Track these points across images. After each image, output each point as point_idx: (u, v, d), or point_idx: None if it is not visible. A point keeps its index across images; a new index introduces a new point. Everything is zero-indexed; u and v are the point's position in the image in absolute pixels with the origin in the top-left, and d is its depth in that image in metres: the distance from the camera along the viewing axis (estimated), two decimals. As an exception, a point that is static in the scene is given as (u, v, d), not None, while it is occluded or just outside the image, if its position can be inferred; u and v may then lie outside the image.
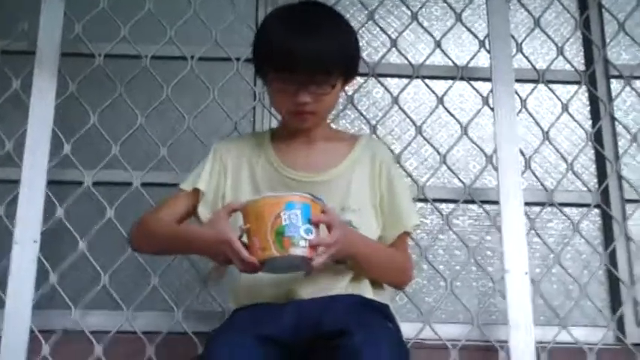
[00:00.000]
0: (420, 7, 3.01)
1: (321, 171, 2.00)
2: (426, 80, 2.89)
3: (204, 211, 2.00)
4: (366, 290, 1.95)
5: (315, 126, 2.03)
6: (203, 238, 1.81)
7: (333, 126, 2.54)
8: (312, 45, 1.85)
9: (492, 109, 2.74)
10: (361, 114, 2.86)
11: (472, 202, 2.78)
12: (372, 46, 3.07)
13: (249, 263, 1.68)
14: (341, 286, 1.90)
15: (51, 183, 2.60)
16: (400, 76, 2.98)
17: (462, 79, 2.89)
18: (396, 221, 2.03)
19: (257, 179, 2.00)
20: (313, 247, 1.68)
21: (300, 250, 1.66)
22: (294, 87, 1.89)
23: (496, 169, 2.66)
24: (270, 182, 1.98)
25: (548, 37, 3.01)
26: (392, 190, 2.03)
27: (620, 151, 2.94)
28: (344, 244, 1.78)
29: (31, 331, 2.42)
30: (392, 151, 2.76)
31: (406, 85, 2.88)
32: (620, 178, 2.90)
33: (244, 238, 1.72)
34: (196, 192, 2.02)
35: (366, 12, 2.96)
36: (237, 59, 2.82)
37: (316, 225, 1.71)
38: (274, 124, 2.73)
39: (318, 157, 2.03)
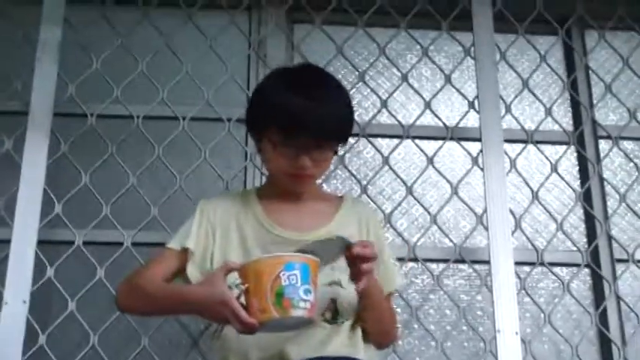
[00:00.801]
0: (410, 69, 3.04)
1: (311, 230, 1.97)
2: (417, 140, 2.92)
3: (193, 271, 1.95)
4: (358, 351, 1.94)
5: (307, 188, 2.04)
6: (199, 298, 1.74)
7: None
8: (322, 111, 1.85)
9: (482, 169, 2.76)
10: (352, 174, 2.88)
11: (463, 261, 2.80)
12: (362, 107, 3.08)
13: (247, 324, 1.65)
14: (333, 346, 1.89)
15: (41, 242, 2.59)
16: (391, 137, 2.99)
17: (451, 139, 2.92)
18: (387, 282, 2.03)
19: (246, 238, 1.97)
20: (313, 307, 1.67)
21: (300, 311, 1.64)
22: (295, 151, 1.89)
23: (486, 228, 2.68)
24: (260, 242, 1.95)
25: (537, 98, 3.05)
26: (382, 255, 2.02)
27: (610, 211, 2.96)
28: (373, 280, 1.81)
29: (20, 393, 2.40)
30: (380, 209, 2.80)
31: (397, 146, 2.91)
32: (609, 237, 2.92)
33: (242, 299, 1.70)
34: (184, 251, 1.97)
35: (357, 73, 2.99)
36: (229, 119, 2.84)
37: (314, 285, 1.70)
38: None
39: (308, 217, 2.02)
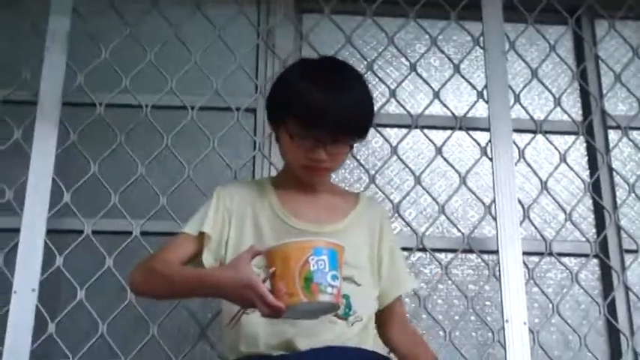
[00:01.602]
0: (419, 58, 3.04)
1: (326, 224, 1.98)
2: (425, 130, 2.92)
3: (208, 258, 1.94)
4: (368, 339, 1.95)
5: (322, 182, 2.04)
6: (224, 281, 1.70)
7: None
8: (345, 104, 1.85)
9: (491, 159, 2.76)
10: (360, 164, 2.88)
11: (471, 251, 2.80)
12: (370, 97, 3.08)
13: (275, 307, 1.63)
14: (345, 338, 1.89)
15: (50, 232, 2.60)
16: (399, 126, 3.00)
17: (460, 129, 2.92)
18: (397, 284, 2.05)
19: (261, 228, 1.97)
20: (339, 293, 1.67)
21: (327, 296, 1.64)
22: (312, 143, 1.88)
23: (495, 218, 2.68)
24: (275, 231, 1.95)
25: (546, 88, 3.05)
26: (393, 255, 2.05)
27: (619, 201, 2.96)
28: None
29: (30, 381, 2.42)
30: (389, 198, 2.80)
31: (405, 135, 2.91)
32: (618, 228, 2.91)
33: (267, 283, 1.70)
34: (201, 236, 1.95)
35: (365, 63, 2.99)
36: (238, 109, 2.85)
37: (340, 272, 1.70)
38: (273, 173, 2.75)
39: (323, 210, 2.02)
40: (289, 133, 1.90)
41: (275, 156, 2.71)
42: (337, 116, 1.83)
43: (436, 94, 2.96)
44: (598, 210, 2.99)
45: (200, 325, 2.63)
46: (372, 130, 2.82)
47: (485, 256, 2.78)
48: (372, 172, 2.86)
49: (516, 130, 2.87)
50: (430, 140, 2.91)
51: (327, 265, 1.65)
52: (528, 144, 2.93)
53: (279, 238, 1.76)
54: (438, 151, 2.88)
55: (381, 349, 2.05)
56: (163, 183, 2.78)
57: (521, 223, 2.75)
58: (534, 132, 2.96)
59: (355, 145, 2.65)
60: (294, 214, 1.98)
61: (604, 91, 3.10)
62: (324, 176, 2.01)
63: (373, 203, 2.17)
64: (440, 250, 2.85)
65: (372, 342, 1.97)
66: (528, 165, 2.92)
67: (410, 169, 2.87)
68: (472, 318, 2.82)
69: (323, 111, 1.83)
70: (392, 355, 2.07)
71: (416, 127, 2.91)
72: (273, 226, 1.97)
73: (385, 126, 2.99)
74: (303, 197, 2.02)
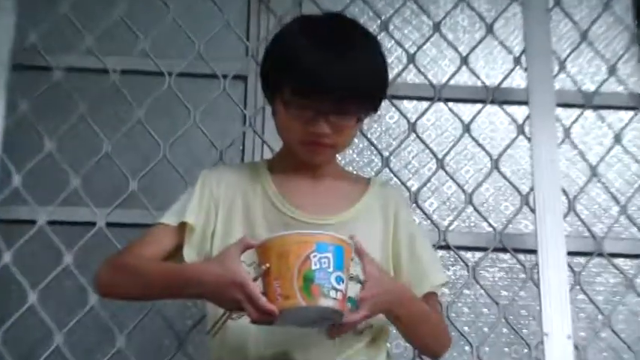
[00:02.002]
0: (444, 17, 3.03)
1: (329, 213, 1.96)
2: (450, 104, 2.92)
3: (190, 253, 1.93)
4: (379, 356, 1.93)
5: (326, 161, 2.02)
6: (207, 278, 1.70)
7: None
8: (350, 65, 1.83)
9: (529, 139, 2.76)
10: (371, 143, 2.88)
11: (504, 250, 2.79)
12: (385, 63, 3.08)
13: (266, 311, 1.62)
14: (352, 351, 1.88)
15: (-3, 222, 2.62)
16: (419, 99, 3.01)
17: (492, 102, 2.92)
18: (420, 280, 2.00)
19: (252, 216, 1.95)
20: (344, 298, 1.65)
21: (330, 301, 1.61)
22: (311, 114, 1.86)
23: (533, 211, 2.68)
24: (269, 223, 1.94)
25: (598, 53, 3.05)
26: (413, 245, 2.02)
27: (685, 191, 2.96)
28: (387, 300, 1.76)
29: (-30, 399, 2.44)
30: (405, 185, 2.80)
31: (426, 110, 2.90)
32: (684, 224, 2.92)
33: (258, 282, 1.68)
34: (182, 228, 1.94)
35: (379, 22, 2.98)
36: (225, 76, 2.85)
37: (347, 273, 1.68)
38: (267, 152, 2.76)
39: (326, 198, 2.00)
40: (284, 102, 1.88)
41: (269, 132, 2.75)
42: (340, 79, 1.80)
43: (464, 60, 2.95)
44: (659, 202, 2.99)
45: (178, 335, 2.61)
46: (386, 103, 2.86)
47: (522, 256, 2.78)
48: (386, 154, 2.85)
49: (561, 105, 2.87)
50: (456, 115, 2.89)
51: (332, 264, 1.62)
52: (575, 121, 2.93)
53: (274, 230, 1.76)
54: (466, 128, 2.87)
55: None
56: (134, 164, 2.78)
57: (566, 216, 2.75)
58: (582, 106, 2.96)
59: (365, 120, 2.64)
60: (293, 201, 1.97)
61: (669, 58, 3.12)
62: (328, 155, 1.98)
63: (387, 187, 2.15)
64: (467, 249, 2.84)
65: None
66: (575, 146, 2.91)
67: (431, 150, 2.86)
68: (504, 330, 2.81)
69: (320, 72, 1.80)
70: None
71: (439, 100, 2.91)
72: (266, 216, 1.95)
73: (402, 98, 2.99)
74: (304, 182, 2.01)
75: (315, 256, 1.61)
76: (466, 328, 2.79)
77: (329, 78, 1.80)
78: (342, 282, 1.63)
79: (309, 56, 1.82)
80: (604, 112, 2.99)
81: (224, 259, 1.68)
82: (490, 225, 2.79)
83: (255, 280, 1.64)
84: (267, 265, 1.63)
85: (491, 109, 2.98)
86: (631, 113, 3.00)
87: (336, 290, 1.62)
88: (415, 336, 1.95)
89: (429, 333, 1.97)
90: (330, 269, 1.62)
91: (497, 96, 2.92)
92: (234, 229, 1.94)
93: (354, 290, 1.74)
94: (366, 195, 2.03)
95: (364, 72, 1.85)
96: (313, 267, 1.60)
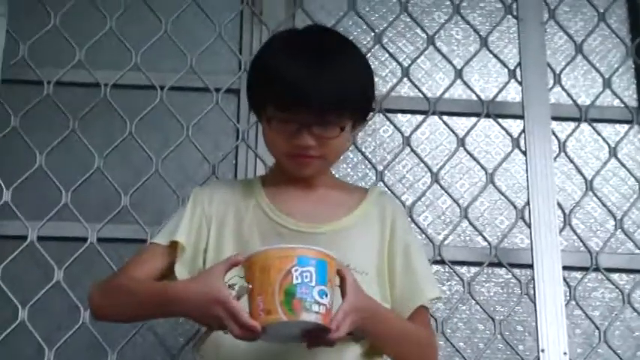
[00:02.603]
0: (438, 30, 3.03)
1: (323, 222, 1.95)
2: (445, 117, 2.92)
3: (182, 271, 1.92)
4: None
5: (317, 173, 2.00)
6: (190, 296, 1.70)
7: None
8: (325, 79, 1.82)
9: (524, 153, 2.74)
10: (366, 157, 2.87)
11: (499, 265, 2.79)
12: (379, 76, 3.06)
13: (249, 327, 1.61)
14: None
15: (-15, 238, 2.61)
16: (413, 112, 3.00)
17: (487, 116, 2.91)
18: (412, 294, 1.98)
19: (244, 230, 1.95)
20: (328, 313, 1.64)
21: (312, 315, 1.60)
22: (294, 127, 1.86)
23: (529, 225, 2.66)
24: (261, 232, 1.93)
25: (593, 66, 3.04)
26: (408, 258, 1.99)
27: (681, 206, 2.95)
28: (362, 314, 1.73)
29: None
30: (400, 200, 2.78)
31: (420, 123, 2.90)
32: (680, 238, 2.91)
33: (243, 299, 1.67)
34: (174, 247, 1.94)
35: (373, 35, 2.97)
36: (217, 90, 2.85)
37: (331, 287, 1.66)
38: (260, 167, 2.76)
39: (320, 206, 1.99)
40: (267, 117, 1.89)
41: (262, 147, 2.70)
42: (318, 90, 1.80)
43: (459, 74, 2.94)
44: (656, 216, 2.99)
45: (169, 352, 2.60)
46: (380, 117, 2.87)
47: (517, 271, 2.77)
48: (381, 168, 2.85)
49: (556, 118, 2.87)
50: (451, 129, 2.89)
51: (314, 278, 1.62)
52: (570, 135, 2.92)
53: (268, 241, 1.77)
54: (461, 142, 2.87)
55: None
56: (126, 179, 2.77)
57: (561, 231, 2.74)
58: (578, 120, 2.94)
59: (358, 131, 2.63)
60: (285, 210, 1.96)
61: (665, 71, 3.12)
62: (316, 167, 1.96)
63: (384, 197, 2.14)
64: (462, 263, 2.84)
65: None
66: (570, 160, 2.91)
67: (426, 164, 2.85)
68: (500, 346, 2.80)
69: (301, 86, 1.81)
70: None
71: (434, 114, 2.90)
72: (259, 227, 1.95)
73: (396, 112, 2.99)
74: (296, 192, 2.01)
75: (296, 270, 1.61)
76: (462, 344, 2.78)
77: (307, 91, 1.80)
78: (326, 296, 1.62)
79: (286, 71, 1.83)
80: (599, 126, 2.97)
81: (207, 277, 1.70)
82: (485, 239, 2.78)
83: (239, 297, 1.64)
84: (249, 283, 1.63)
85: (486, 123, 2.98)
86: (626, 126, 3.00)
87: (319, 304, 1.61)
88: (397, 354, 1.93)
89: (412, 351, 1.95)
90: (313, 283, 1.61)
91: (492, 109, 2.92)
92: (225, 246, 1.94)
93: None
94: (364, 203, 2.02)
95: (342, 82, 1.85)
96: (294, 281, 1.60)
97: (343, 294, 1.70)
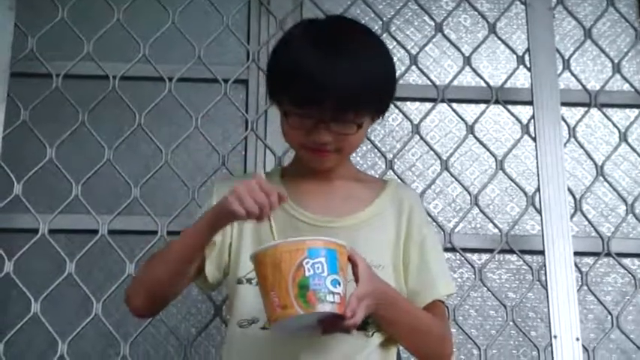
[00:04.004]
0: (446, 17, 3.02)
1: (341, 216, 1.96)
2: (454, 104, 2.91)
3: (211, 269, 1.92)
4: (390, 358, 1.92)
5: (335, 166, 2.00)
6: (216, 207, 1.79)
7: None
8: (344, 75, 1.80)
9: (534, 139, 2.74)
10: (375, 146, 2.86)
11: (511, 251, 2.78)
12: (387, 64, 3.06)
13: (268, 192, 1.70)
14: (363, 356, 1.86)
15: (-2, 231, 2.60)
16: (422, 100, 3.00)
17: (497, 102, 2.90)
18: (427, 288, 1.97)
19: (261, 226, 1.89)
20: (343, 301, 1.65)
21: (328, 305, 1.61)
22: (311, 122, 1.85)
23: (539, 211, 2.66)
24: (279, 230, 1.87)
25: (602, 51, 3.03)
26: (423, 254, 1.99)
27: (693, 189, 2.95)
28: (377, 299, 1.75)
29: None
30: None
31: (429, 111, 2.89)
32: (692, 221, 2.91)
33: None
34: None
35: (381, 23, 2.96)
36: (226, 80, 2.83)
37: (343, 275, 1.67)
38: (269, 157, 2.76)
39: (338, 200, 2.00)
40: (284, 111, 1.89)
41: (271, 137, 2.75)
42: (335, 88, 1.79)
43: (467, 61, 2.93)
44: (667, 200, 2.99)
45: (182, 344, 2.61)
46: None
47: (529, 258, 2.77)
48: (390, 156, 2.84)
49: (565, 104, 2.86)
50: (460, 117, 2.89)
51: (326, 268, 1.63)
52: (580, 120, 2.91)
53: (283, 233, 1.76)
54: (470, 129, 2.86)
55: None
56: (136, 171, 2.79)
57: (572, 216, 2.74)
58: (588, 105, 2.93)
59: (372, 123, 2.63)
60: (303, 204, 1.97)
61: (675, 55, 3.11)
62: (334, 160, 1.96)
63: (401, 190, 2.12)
64: (473, 250, 2.84)
65: None
66: (580, 146, 2.90)
67: (435, 151, 2.85)
68: (512, 333, 2.81)
69: (316, 81, 1.79)
70: None
71: (442, 101, 2.90)
72: (277, 221, 1.90)
73: (405, 99, 2.98)
74: (315, 186, 2.01)
75: (307, 263, 1.62)
76: (473, 331, 2.79)
77: (323, 88, 1.79)
78: (339, 284, 1.64)
79: (306, 65, 1.81)
80: (609, 111, 2.97)
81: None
82: (496, 226, 2.78)
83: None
84: (262, 278, 1.66)
85: (496, 110, 2.97)
86: (636, 111, 2.99)
87: (333, 294, 1.62)
88: (410, 342, 1.94)
89: (426, 340, 1.95)
90: (325, 274, 1.62)
91: (501, 96, 2.90)
92: (245, 240, 1.95)
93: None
94: (381, 197, 2.02)
95: (364, 83, 1.83)
96: (307, 273, 1.61)
97: (356, 279, 1.71)
